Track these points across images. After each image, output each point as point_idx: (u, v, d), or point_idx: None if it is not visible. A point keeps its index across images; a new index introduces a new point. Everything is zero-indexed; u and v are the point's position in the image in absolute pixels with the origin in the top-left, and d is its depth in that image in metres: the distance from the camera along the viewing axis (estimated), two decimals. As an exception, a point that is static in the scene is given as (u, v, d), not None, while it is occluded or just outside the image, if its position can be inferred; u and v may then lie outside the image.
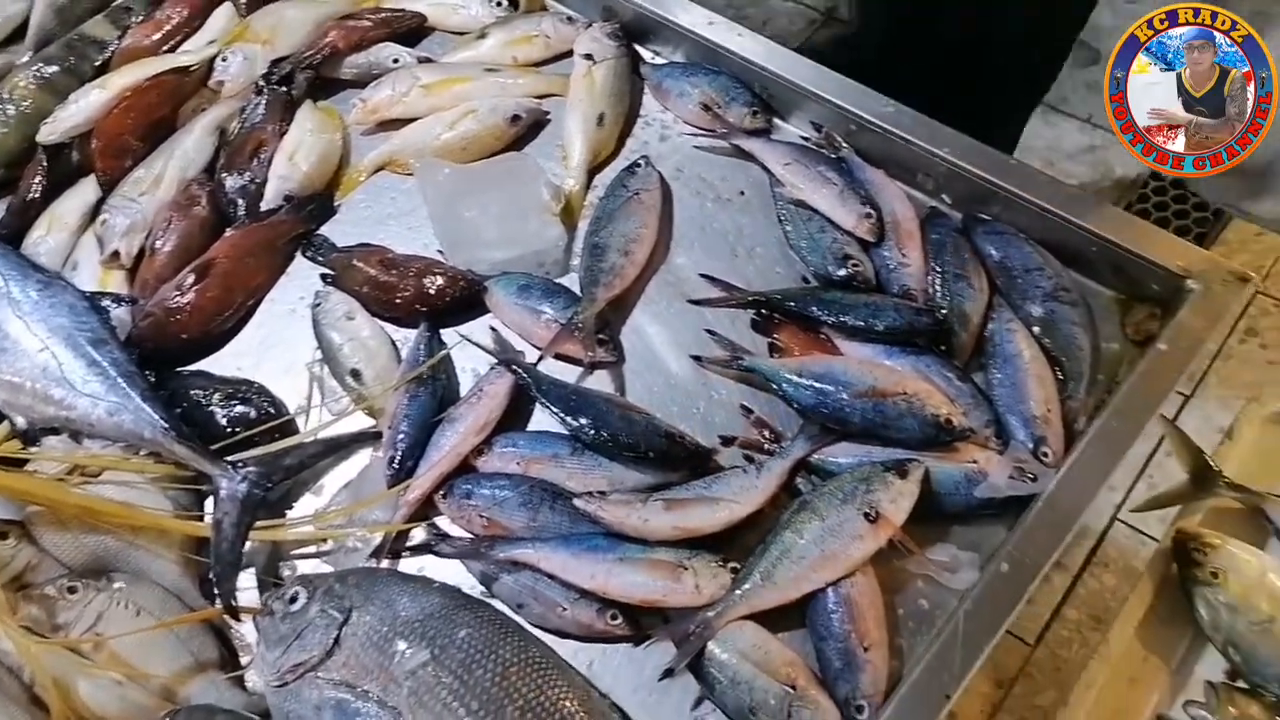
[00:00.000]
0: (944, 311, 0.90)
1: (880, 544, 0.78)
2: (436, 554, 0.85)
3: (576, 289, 0.98)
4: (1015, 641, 1.66)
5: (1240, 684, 0.80)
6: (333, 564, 0.87)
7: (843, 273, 0.93)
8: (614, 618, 0.79)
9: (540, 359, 0.94)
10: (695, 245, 1.02)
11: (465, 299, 0.98)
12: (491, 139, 1.10)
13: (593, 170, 1.08)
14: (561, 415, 0.88)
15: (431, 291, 0.97)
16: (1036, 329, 0.88)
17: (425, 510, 0.88)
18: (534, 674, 0.73)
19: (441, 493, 0.87)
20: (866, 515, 0.77)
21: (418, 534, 0.88)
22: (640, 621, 0.80)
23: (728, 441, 0.88)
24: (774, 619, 0.79)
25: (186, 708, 0.79)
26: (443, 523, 0.88)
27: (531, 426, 0.92)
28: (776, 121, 1.09)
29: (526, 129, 1.12)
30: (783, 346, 0.92)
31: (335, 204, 1.10)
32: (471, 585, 0.84)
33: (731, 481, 0.83)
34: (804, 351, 0.91)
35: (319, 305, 0.99)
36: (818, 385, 0.85)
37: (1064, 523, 0.75)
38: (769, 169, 1.02)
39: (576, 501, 0.82)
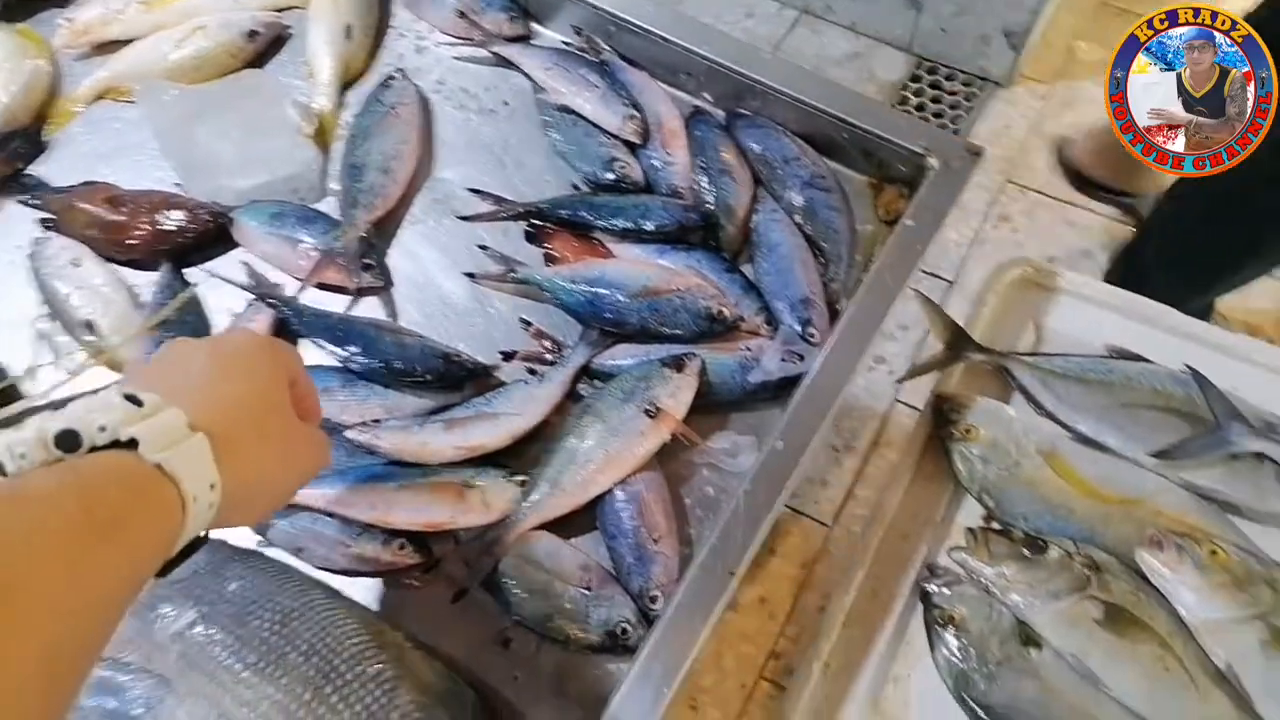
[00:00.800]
0: (710, 207, 0.91)
1: (663, 438, 0.79)
2: (203, 506, 0.79)
3: (336, 214, 0.92)
4: (815, 524, 1.78)
5: (994, 526, 0.88)
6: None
7: (610, 176, 0.92)
8: (402, 547, 0.77)
9: (301, 290, 0.88)
10: (461, 159, 0.98)
11: (211, 233, 0.90)
12: (226, 57, 1.00)
13: (344, 87, 1.01)
14: (328, 346, 0.83)
15: (170, 228, 0.89)
16: (798, 217, 0.91)
17: (188, 463, 0.82)
18: (316, 617, 0.69)
19: (203, 442, 0.81)
20: (647, 412, 0.78)
21: (181, 489, 0.81)
22: (432, 548, 0.78)
23: (508, 356, 0.87)
24: (565, 525, 0.79)
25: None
26: (210, 474, 0.82)
27: (299, 363, 0.87)
28: (536, 27, 1.05)
29: (265, 45, 1.03)
30: (557, 255, 0.91)
31: (45, 139, 0.98)
32: (244, 536, 0.79)
33: (513, 395, 0.82)
34: (579, 258, 0.90)
35: (37, 253, 0.89)
36: (592, 290, 0.85)
37: (830, 395, 0.78)
38: (530, 76, 0.99)
39: (349, 433, 0.78)
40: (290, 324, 0.85)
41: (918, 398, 1.87)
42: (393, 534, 0.77)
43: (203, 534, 0.49)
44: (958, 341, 0.94)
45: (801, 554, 1.72)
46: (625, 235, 0.90)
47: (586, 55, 1.01)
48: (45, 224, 0.91)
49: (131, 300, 0.87)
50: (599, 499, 0.78)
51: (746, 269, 0.90)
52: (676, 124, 0.96)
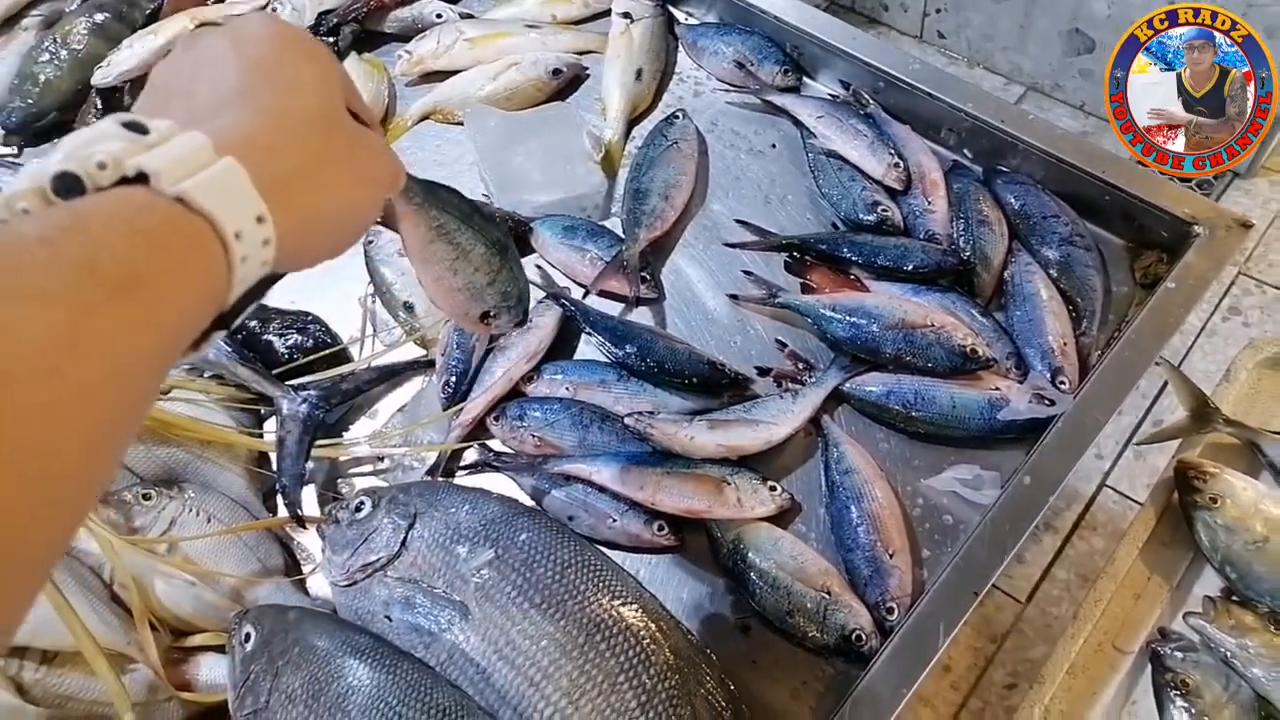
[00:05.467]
0: (967, 254, 0.96)
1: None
2: (493, 468, 0.90)
3: (618, 232, 1.04)
4: (1008, 600, 1.74)
5: (1235, 599, 0.87)
6: (389, 482, 0.92)
7: (872, 218, 0.99)
8: (661, 529, 0.84)
9: (586, 294, 0.99)
10: (730, 194, 1.08)
11: (513, 239, 1.03)
12: (533, 90, 1.15)
13: (631, 123, 1.14)
14: (609, 344, 0.93)
15: (480, 231, 1.02)
16: (1053, 271, 0.94)
17: (477, 434, 0.94)
18: (591, 573, 0.78)
19: (494, 416, 0.93)
20: None
21: (470, 455, 0.93)
22: (685, 532, 0.86)
23: (764, 372, 0.94)
24: (804, 535, 0.85)
25: (258, 606, 0.83)
26: (494, 445, 0.93)
27: (576, 357, 0.98)
28: (805, 80, 1.15)
29: (566, 83, 1.17)
30: (815, 286, 0.98)
31: (383, 150, 1.15)
32: (524, 497, 0.89)
33: (770, 406, 0.89)
34: (835, 290, 0.97)
35: (371, 243, 1.04)
36: (851, 319, 0.91)
37: (1081, 441, 0.81)
38: (801, 122, 1.08)
39: (627, 420, 0.87)
40: (577, 321, 0.96)
41: (1127, 484, 1.81)
42: (654, 515, 0.85)
43: (274, 274, 0.41)
44: (1204, 412, 0.94)
45: (992, 628, 1.69)
46: (883, 273, 0.96)
47: (853, 107, 1.09)
48: (379, 220, 1.07)
49: (444, 288, 1.01)
50: (834, 515, 0.84)
51: (998, 316, 0.94)
52: (937, 175, 1.02)
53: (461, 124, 1.13)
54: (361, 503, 0.83)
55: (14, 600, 0.30)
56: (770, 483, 0.86)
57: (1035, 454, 0.81)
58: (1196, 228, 0.91)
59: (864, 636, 0.78)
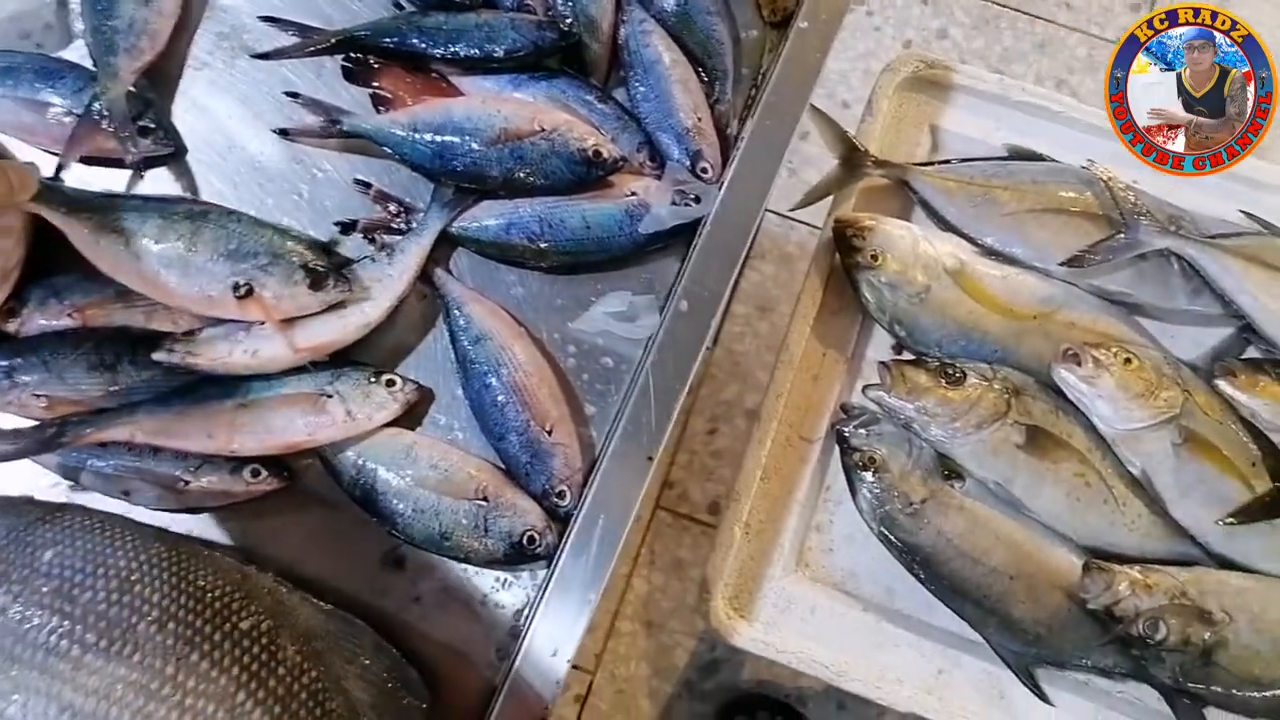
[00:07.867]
0: (569, 22, 0.76)
1: (241, 317, 0.66)
2: (-16, 462, 0.64)
3: (89, 64, 0.72)
4: (697, 349, 1.73)
5: (906, 356, 0.83)
6: None
7: (441, -12, 0.75)
8: (256, 473, 0.65)
9: (60, 169, 0.69)
10: (243, -22, 0.78)
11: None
12: None
13: (67, -112, 0.77)
14: (112, 240, 0.66)
15: None
16: (672, 26, 0.77)
17: (-48, 410, 0.65)
18: (163, 575, 0.57)
19: (-32, 381, 0.64)
20: (236, 287, 0.64)
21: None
22: (292, 467, 0.66)
23: (347, 227, 0.72)
24: (446, 428, 0.69)
25: None
26: (-14, 418, 0.66)
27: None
28: None
29: None
30: (389, 96, 0.74)
31: None
32: (53, 486, 0.64)
33: (359, 276, 0.68)
34: (416, 99, 0.74)
35: None
36: (440, 138, 0.70)
37: (736, 241, 0.69)
38: None
39: (155, 355, 0.63)
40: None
41: (786, 203, 1.80)
42: (241, 461, 0.64)
43: None
44: (853, 158, 0.85)
45: (684, 381, 1.68)
46: (470, 65, 0.74)
47: None
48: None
49: None
50: (473, 395, 0.68)
51: (619, 95, 0.77)
52: (513, -85, 0.78)
53: None
54: None
55: None
56: (386, 376, 0.67)
57: (686, 271, 0.68)
58: (820, -56, 0.76)
59: (537, 536, 0.66)
